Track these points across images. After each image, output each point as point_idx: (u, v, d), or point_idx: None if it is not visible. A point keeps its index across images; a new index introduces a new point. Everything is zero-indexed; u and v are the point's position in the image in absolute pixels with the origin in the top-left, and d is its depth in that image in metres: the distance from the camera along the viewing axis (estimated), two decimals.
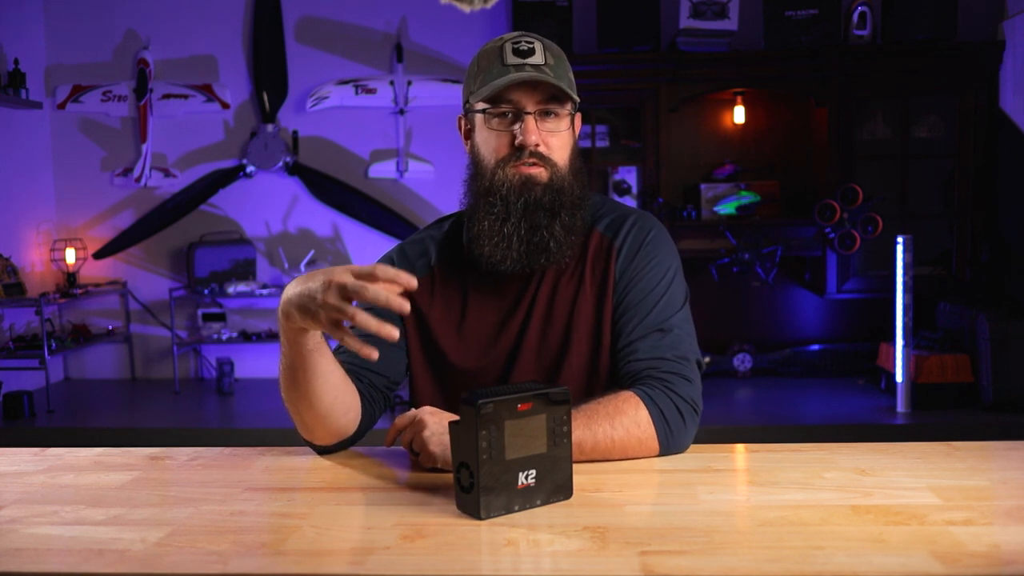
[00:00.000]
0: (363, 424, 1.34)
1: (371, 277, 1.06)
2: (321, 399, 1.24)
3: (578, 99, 1.33)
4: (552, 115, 1.32)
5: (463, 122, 1.42)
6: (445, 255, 1.44)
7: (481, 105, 1.32)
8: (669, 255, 1.38)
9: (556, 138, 1.33)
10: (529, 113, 1.30)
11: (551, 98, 1.31)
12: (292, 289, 1.13)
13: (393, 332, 1.06)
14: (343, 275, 1.07)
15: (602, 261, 1.37)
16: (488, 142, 1.33)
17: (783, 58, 4.46)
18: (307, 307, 1.10)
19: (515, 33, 1.34)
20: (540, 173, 1.31)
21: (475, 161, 1.37)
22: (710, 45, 4.47)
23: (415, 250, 1.45)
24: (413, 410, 1.22)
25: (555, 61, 1.32)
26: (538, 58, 1.30)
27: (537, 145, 1.30)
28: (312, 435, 1.30)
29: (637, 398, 1.24)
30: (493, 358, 1.37)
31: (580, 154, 1.40)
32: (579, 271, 1.37)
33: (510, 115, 1.31)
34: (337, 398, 1.26)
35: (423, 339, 1.41)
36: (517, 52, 1.30)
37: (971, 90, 4.42)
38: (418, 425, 1.18)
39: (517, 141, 1.30)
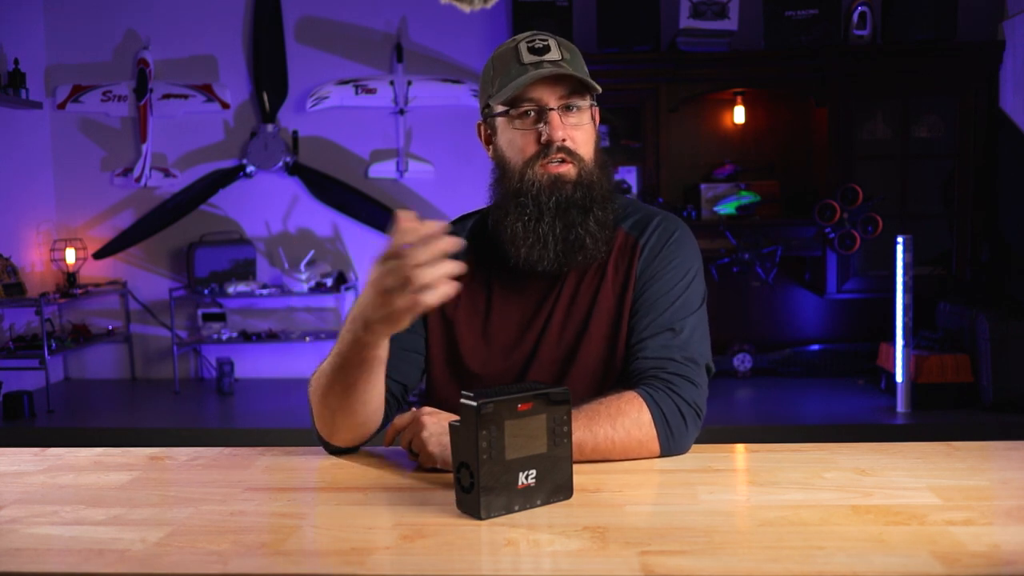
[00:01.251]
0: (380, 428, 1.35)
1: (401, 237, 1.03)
2: (365, 407, 1.24)
3: (599, 89, 1.33)
4: (574, 109, 1.32)
5: (483, 128, 1.41)
6: (470, 254, 1.42)
7: (502, 107, 1.32)
8: (691, 257, 1.38)
9: (581, 132, 1.33)
10: (552, 109, 1.30)
11: (572, 92, 1.31)
12: (368, 301, 1.10)
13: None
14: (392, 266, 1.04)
15: (626, 258, 1.37)
16: (514, 143, 1.33)
17: (783, 58, 4.46)
18: (385, 309, 1.07)
19: (527, 33, 1.35)
20: (568, 170, 1.31)
21: (501, 164, 1.36)
22: (710, 45, 4.46)
23: None
24: (413, 410, 1.22)
25: (571, 56, 1.32)
26: (554, 54, 1.30)
27: (564, 140, 1.30)
28: (334, 437, 1.29)
29: (640, 399, 1.24)
30: (516, 359, 1.37)
31: (602, 147, 1.40)
32: (603, 267, 1.37)
33: (533, 113, 1.31)
34: (378, 409, 1.27)
35: (447, 342, 1.40)
36: (533, 50, 1.30)
37: (971, 90, 4.42)
38: (417, 425, 1.19)
39: (543, 138, 1.30)
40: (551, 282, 1.38)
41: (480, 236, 1.44)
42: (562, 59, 1.30)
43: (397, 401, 1.39)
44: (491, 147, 1.39)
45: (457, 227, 1.47)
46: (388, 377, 1.35)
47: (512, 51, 1.32)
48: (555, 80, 1.29)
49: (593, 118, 1.36)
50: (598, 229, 1.32)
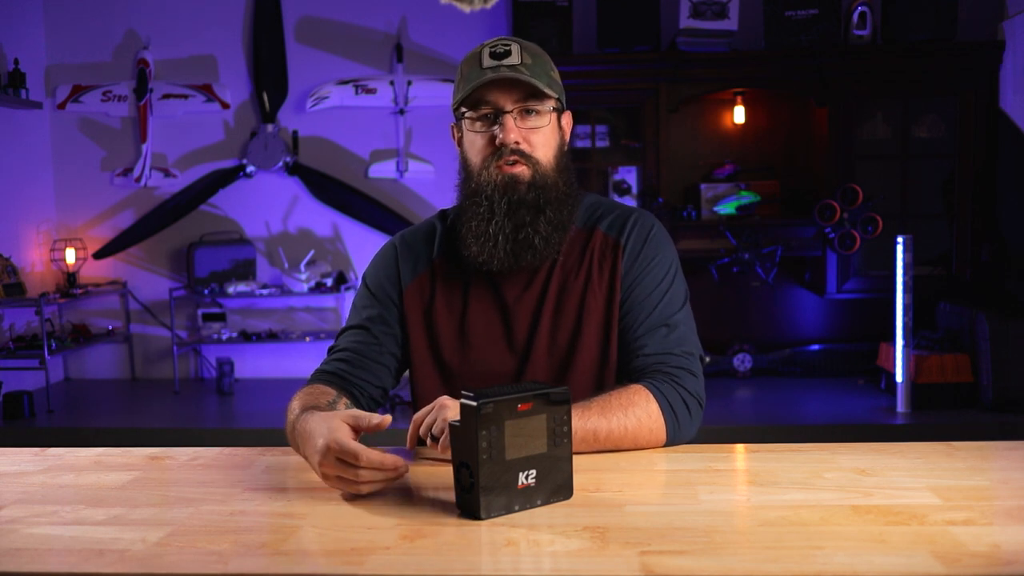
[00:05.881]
0: None
1: (355, 458, 1.06)
2: None
3: (556, 95, 1.37)
4: (532, 113, 1.36)
5: (455, 130, 1.46)
6: (445, 249, 1.46)
7: (463, 109, 1.37)
8: (670, 252, 1.43)
9: (538, 135, 1.37)
10: (507, 112, 1.34)
11: (529, 96, 1.35)
12: (310, 450, 1.15)
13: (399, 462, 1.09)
14: (328, 464, 1.08)
15: (609, 258, 1.41)
16: (473, 144, 1.38)
17: (783, 58, 4.46)
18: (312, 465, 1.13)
19: (494, 38, 1.39)
20: (523, 172, 1.35)
21: (464, 165, 1.42)
22: (710, 45, 4.46)
23: (416, 238, 1.49)
24: (430, 404, 1.21)
25: (532, 60, 1.36)
26: (514, 59, 1.34)
27: (517, 143, 1.35)
28: None
29: (647, 391, 1.29)
30: (503, 359, 1.39)
31: (568, 152, 1.44)
32: (587, 269, 1.41)
33: (490, 116, 1.36)
34: None
35: (428, 337, 1.43)
36: (493, 55, 1.35)
37: (971, 90, 4.42)
38: (442, 410, 1.18)
39: (497, 140, 1.34)
40: (530, 282, 1.41)
41: (457, 231, 1.45)
42: (522, 63, 1.34)
43: (377, 401, 1.44)
44: (460, 148, 1.44)
45: (438, 220, 1.51)
46: (367, 383, 1.41)
47: (476, 56, 1.37)
48: (512, 84, 1.33)
49: (558, 122, 1.40)
50: (550, 231, 1.36)
